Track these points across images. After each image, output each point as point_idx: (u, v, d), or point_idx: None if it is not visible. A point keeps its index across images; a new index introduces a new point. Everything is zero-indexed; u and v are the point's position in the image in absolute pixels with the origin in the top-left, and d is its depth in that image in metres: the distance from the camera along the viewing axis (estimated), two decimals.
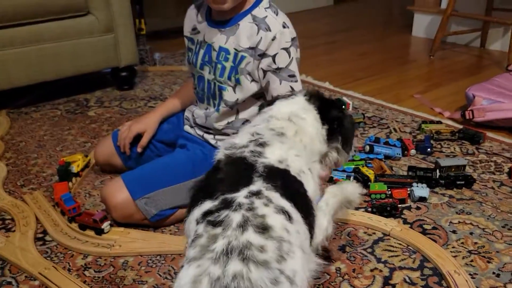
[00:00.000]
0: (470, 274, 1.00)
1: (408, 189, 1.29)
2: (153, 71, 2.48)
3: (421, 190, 1.28)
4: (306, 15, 3.86)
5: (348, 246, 1.11)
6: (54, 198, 1.28)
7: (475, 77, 2.25)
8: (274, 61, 1.11)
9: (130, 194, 1.14)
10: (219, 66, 1.16)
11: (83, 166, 1.43)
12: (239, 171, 0.80)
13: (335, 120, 0.94)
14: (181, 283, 0.66)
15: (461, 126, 1.70)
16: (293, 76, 1.13)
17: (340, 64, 2.61)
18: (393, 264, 1.04)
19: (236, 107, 1.19)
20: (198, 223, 0.74)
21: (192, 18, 1.24)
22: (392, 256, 1.07)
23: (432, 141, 1.59)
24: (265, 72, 1.13)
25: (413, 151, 1.53)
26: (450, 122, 1.78)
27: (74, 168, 1.39)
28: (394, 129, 1.74)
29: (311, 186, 0.85)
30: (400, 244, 1.11)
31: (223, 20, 1.15)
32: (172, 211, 1.18)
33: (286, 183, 0.79)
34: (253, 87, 1.16)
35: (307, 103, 0.94)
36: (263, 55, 1.12)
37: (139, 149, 1.34)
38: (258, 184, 0.76)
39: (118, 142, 1.36)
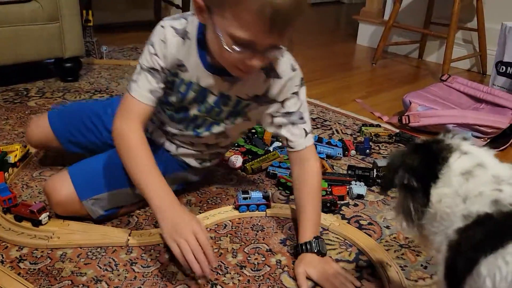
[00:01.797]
0: (400, 266, 1.06)
1: (347, 187, 1.35)
2: (100, 64, 2.42)
3: (359, 188, 1.34)
4: None
5: (289, 239, 1.14)
6: None
7: (412, 85, 2.40)
8: (283, 106, 1.08)
9: (77, 195, 1.08)
10: (217, 109, 1.09)
11: (21, 156, 1.38)
12: None
13: None
14: None
15: (397, 130, 1.80)
16: (302, 118, 1.09)
17: None
18: (331, 257, 1.09)
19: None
20: None
21: (176, 48, 1.01)
22: (330, 249, 1.11)
23: (371, 143, 1.67)
24: (273, 117, 1.09)
25: (353, 152, 1.60)
26: (388, 126, 1.88)
27: (11, 158, 1.34)
28: (337, 130, 1.81)
29: None
30: (338, 238, 1.16)
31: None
32: (117, 209, 1.15)
33: None
34: (245, 125, 1.17)
35: None
36: (271, 101, 1.07)
37: None
38: None
39: None
